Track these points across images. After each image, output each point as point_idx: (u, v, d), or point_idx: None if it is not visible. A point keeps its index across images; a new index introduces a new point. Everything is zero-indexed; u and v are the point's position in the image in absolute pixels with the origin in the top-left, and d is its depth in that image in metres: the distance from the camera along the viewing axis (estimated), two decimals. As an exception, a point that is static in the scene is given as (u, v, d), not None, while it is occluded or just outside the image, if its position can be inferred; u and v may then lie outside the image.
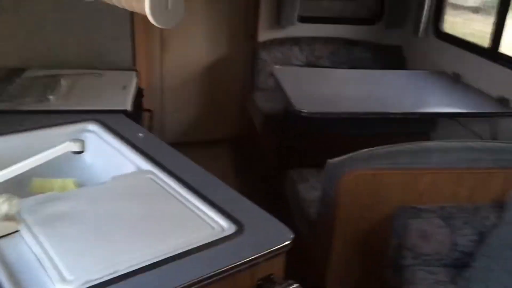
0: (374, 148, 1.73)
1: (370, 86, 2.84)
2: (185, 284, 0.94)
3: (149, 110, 2.33)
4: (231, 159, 3.76)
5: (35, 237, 1.03)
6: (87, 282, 0.91)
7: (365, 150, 1.73)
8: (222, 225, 1.13)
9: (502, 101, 2.54)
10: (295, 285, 1.12)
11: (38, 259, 0.97)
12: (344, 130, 2.79)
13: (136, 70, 2.27)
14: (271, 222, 1.16)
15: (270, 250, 1.07)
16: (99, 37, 2.23)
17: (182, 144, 3.86)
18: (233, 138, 3.92)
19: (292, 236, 1.11)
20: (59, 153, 1.11)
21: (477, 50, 2.80)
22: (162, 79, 3.72)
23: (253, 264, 1.05)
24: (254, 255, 1.05)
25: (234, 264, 1.01)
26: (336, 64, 3.53)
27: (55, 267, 0.94)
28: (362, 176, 1.67)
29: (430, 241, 1.68)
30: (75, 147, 1.09)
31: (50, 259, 0.96)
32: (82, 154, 1.62)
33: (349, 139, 2.20)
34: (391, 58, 3.62)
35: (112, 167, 1.48)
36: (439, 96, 2.73)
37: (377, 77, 3.03)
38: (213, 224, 1.13)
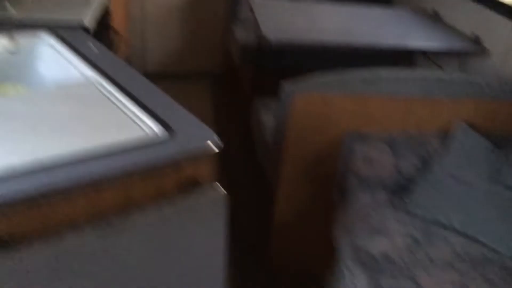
0: (327, 73, 1.75)
1: (347, 20, 2.81)
2: (104, 174, 1.00)
3: (117, 31, 2.32)
4: (211, 91, 3.78)
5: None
6: (6, 166, 0.96)
7: (318, 75, 1.75)
8: (153, 129, 1.18)
9: (474, 39, 2.52)
10: (219, 187, 1.18)
11: (-33, 145, 1.02)
12: (319, 64, 2.80)
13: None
14: (202, 130, 1.20)
15: (194, 153, 1.13)
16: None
17: (163, 76, 3.91)
18: (215, 71, 3.92)
19: (217, 140, 1.15)
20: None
21: (456, -12, 2.76)
22: (144, 10, 3.67)
23: (177, 164, 1.11)
24: (178, 156, 1.10)
25: (158, 162, 1.07)
26: (321, -1, 3.46)
27: (-19, 152, 1.00)
28: (312, 99, 1.70)
29: (374, 165, 1.74)
30: (9, 46, 1.11)
31: (-21, 146, 1.02)
32: (36, 64, 1.67)
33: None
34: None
35: (62, 77, 1.51)
36: (413, 33, 2.71)
37: (356, 12, 2.99)
38: (145, 128, 1.18)
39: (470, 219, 1.56)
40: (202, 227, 1.18)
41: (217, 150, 1.15)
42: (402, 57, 3.08)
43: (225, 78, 3.84)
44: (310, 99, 1.70)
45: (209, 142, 1.15)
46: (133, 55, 3.76)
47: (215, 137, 1.16)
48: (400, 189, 1.77)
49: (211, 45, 3.88)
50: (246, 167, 2.70)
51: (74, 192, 0.97)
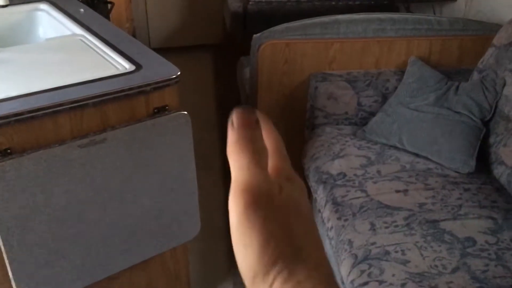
0: (291, 22, 1.95)
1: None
2: (82, 98, 1.24)
3: (111, 2, 2.56)
4: (212, 61, 4.00)
5: (-27, 70, 1.34)
6: (5, 96, 1.22)
7: (283, 24, 1.96)
8: (125, 66, 1.41)
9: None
10: (183, 112, 1.42)
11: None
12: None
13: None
14: (166, 65, 1.44)
15: (157, 81, 1.36)
16: None
17: (166, 49, 4.13)
18: (214, 42, 4.14)
19: (178, 72, 1.39)
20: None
21: None
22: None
23: (144, 90, 1.34)
24: (143, 83, 1.34)
25: (126, 88, 1.31)
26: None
27: (-16, 86, 1.26)
28: (277, 45, 1.91)
29: (338, 102, 1.95)
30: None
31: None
32: (35, 28, 1.93)
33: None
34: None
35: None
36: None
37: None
38: (118, 66, 1.42)
39: (419, 140, 1.75)
40: (171, 146, 1.42)
41: (176, 78, 1.38)
42: (386, 11, 3.23)
43: (224, 47, 4.05)
44: (275, 46, 1.91)
45: (171, 74, 1.38)
46: (137, 31, 4.01)
47: (177, 71, 1.40)
48: (363, 122, 1.97)
49: (210, 17, 4.09)
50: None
51: (59, 112, 1.22)
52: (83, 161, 1.26)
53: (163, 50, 4.19)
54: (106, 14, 2.52)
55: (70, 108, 1.23)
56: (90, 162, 1.27)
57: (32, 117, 1.19)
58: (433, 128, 1.74)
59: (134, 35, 3.92)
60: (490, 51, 1.80)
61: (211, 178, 2.51)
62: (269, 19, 3.10)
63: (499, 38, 1.78)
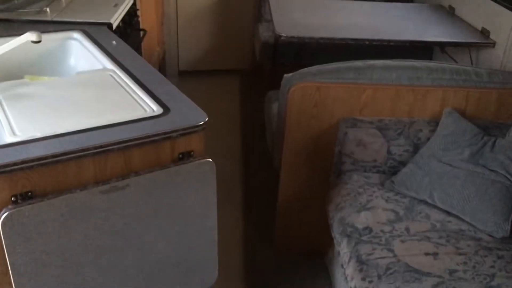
0: (323, 65, 1.91)
1: (363, 16, 2.94)
2: (107, 143, 1.22)
3: (143, 30, 2.57)
4: (239, 87, 3.99)
5: (1, 106, 1.33)
6: (30, 137, 1.20)
7: (315, 66, 1.91)
8: (153, 108, 1.39)
9: (483, 32, 2.60)
10: (209, 159, 1.38)
11: (0, 121, 1.27)
12: (335, 60, 2.94)
13: (132, -7, 2.50)
14: (194, 109, 1.40)
15: (185, 127, 1.33)
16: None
17: (194, 73, 4.15)
18: (243, 69, 4.13)
19: (206, 118, 1.35)
20: (20, 42, 1.38)
21: (469, -17, 2.83)
22: (177, 9, 3.93)
23: (171, 136, 1.31)
24: (170, 129, 1.30)
25: (152, 134, 1.28)
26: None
27: (10, 126, 1.24)
28: (308, 88, 1.86)
29: (367, 149, 1.89)
30: (33, 37, 1.36)
31: (8, 121, 1.26)
32: (67, 58, 1.93)
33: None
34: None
35: (88, 68, 1.76)
36: (431, 27, 2.81)
37: (374, 8, 3.11)
38: (146, 108, 1.39)
39: (451, 197, 1.67)
40: (194, 193, 1.38)
41: (204, 125, 1.35)
42: (421, 52, 3.17)
43: (251, 74, 4.04)
44: (306, 88, 1.87)
45: (199, 120, 1.35)
46: (167, 55, 4.04)
47: (205, 117, 1.36)
48: (392, 171, 1.90)
49: (241, 44, 4.09)
50: (261, 154, 2.88)
51: (83, 157, 1.20)
52: (104, 207, 1.23)
53: (191, 73, 4.23)
54: (138, 41, 2.53)
55: (95, 153, 1.21)
56: (111, 208, 1.24)
57: (56, 161, 1.16)
58: (466, 186, 1.66)
59: (164, 58, 3.94)
60: (531, 108, 1.72)
61: (231, 212, 2.46)
62: (299, 51, 3.08)
63: (542, 96, 1.70)
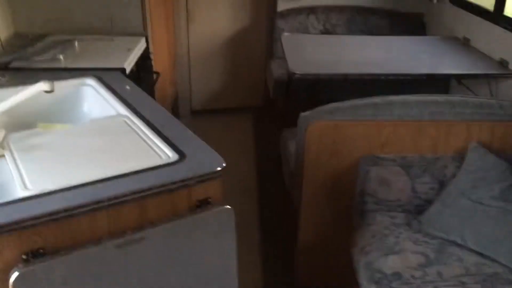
0: (340, 102, 1.86)
1: (377, 51, 2.92)
2: (122, 194, 1.16)
3: (156, 73, 2.56)
4: (252, 124, 3.96)
5: (13, 159, 1.29)
6: (42, 190, 1.15)
7: (332, 103, 1.87)
8: (168, 155, 1.34)
9: (502, 63, 2.54)
10: (227, 206, 1.32)
11: (12, 174, 1.23)
12: (351, 96, 2.90)
13: (145, 36, 2.50)
14: (211, 154, 1.35)
15: (202, 174, 1.27)
16: (113, 5, 2.48)
17: (207, 112, 4.14)
18: (255, 105, 4.11)
19: (223, 164, 1.30)
20: (33, 91, 1.35)
21: (483, 14, 2.80)
22: (189, 49, 3.96)
23: (187, 184, 1.26)
24: (187, 177, 1.25)
25: (168, 182, 1.22)
26: (353, 32, 3.59)
27: (22, 179, 1.20)
28: (325, 126, 1.81)
29: (390, 187, 1.81)
30: (45, 86, 1.33)
31: (20, 174, 1.22)
32: (81, 104, 1.91)
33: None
34: (411, 25, 3.63)
35: (101, 114, 1.73)
36: (446, 60, 2.77)
37: (387, 43, 3.09)
38: (162, 154, 1.35)
39: (483, 237, 1.58)
40: (212, 242, 1.31)
41: (221, 171, 1.29)
42: (438, 84, 3.12)
43: (265, 111, 4.01)
44: (324, 126, 1.82)
45: (217, 166, 1.30)
46: (180, 95, 4.04)
47: (223, 163, 1.31)
48: (417, 210, 1.81)
49: (253, 81, 4.09)
50: (277, 193, 2.81)
51: (96, 210, 1.14)
52: (119, 261, 1.17)
53: (205, 112, 4.23)
54: (152, 84, 2.52)
55: (109, 205, 1.15)
56: (126, 262, 1.18)
57: (68, 216, 1.11)
58: (500, 226, 1.56)
59: (176, 98, 3.94)
60: (562, 141, 1.64)
61: (249, 257, 2.37)
62: (312, 88, 3.04)
63: None
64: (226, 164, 1.31)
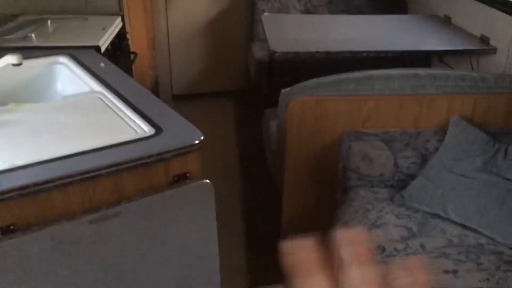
0: (322, 77, 1.83)
1: (358, 29, 2.89)
2: (95, 168, 1.12)
3: (134, 53, 2.50)
4: (234, 108, 3.91)
5: (-18, 134, 1.23)
6: (11, 165, 1.10)
7: (313, 79, 1.83)
8: (144, 129, 1.29)
9: (483, 39, 2.54)
10: (206, 181, 1.28)
11: (-19, 149, 1.18)
12: (332, 73, 2.87)
13: (121, 15, 2.43)
14: (188, 128, 1.31)
15: (179, 147, 1.23)
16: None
17: (188, 96, 4.07)
18: (237, 89, 4.06)
19: (201, 137, 1.26)
20: (1, 65, 1.29)
21: (464, -10, 2.79)
22: (168, 33, 3.88)
23: (164, 158, 1.21)
24: (163, 150, 1.21)
25: (144, 156, 1.18)
26: (334, 13, 3.55)
27: (-9, 154, 1.15)
28: (307, 102, 1.78)
29: (373, 163, 1.79)
30: (13, 59, 1.27)
31: (-10, 149, 1.17)
32: (54, 83, 1.84)
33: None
34: (392, 5, 3.60)
35: (75, 92, 1.67)
36: (427, 37, 2.75)
37: (368, 21, 3.06)
38: (137, 129, 1.30)
39: (466, 209, 1.57)
40: (191, 217, 1.27)
41: (199, 144, 1.25)
42: (419, 63, 3.11)
43: (247, 95, 3.97)
44: (305, 103, 1.78)
45: (195, 139, 1.25)
46: (160, 80, 3.97)
47: (201, 136, 1.27)
48: (400, 185, 1.80)
49: (233, 64, 4.03)
50: (260, 175, 2.78)
51: (69, 184, 1.10)
52: (94, 238, 1.13)
53: (186, 97, 4.15)
54: (129, 64, 2.45)
55: (82, 179, 1.11)
56: (101, 239, 1.14)
57: (39, 190, 1.06)
58: (482, 197, 1.56)
59: (157, 82, 3.87)
60: (543, 111, 1.64)
61: (232, 238, 2.34)
62: (294, 68, 3.01)
63: (553, 98, 1.62)
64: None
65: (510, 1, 2.41)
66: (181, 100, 4.03)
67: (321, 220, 1.95)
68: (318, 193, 1.96)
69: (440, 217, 1.62)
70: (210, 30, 3.93)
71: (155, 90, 3.82)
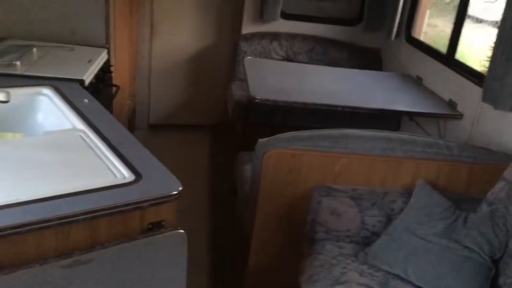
0: (298, 131, 1.91)
1: (335, 82, 3.01)
2: (72, 214, 1.14)
3: (116, 86, 2.53)
4: (209, 143, 3.96)
5: (-40, 168, 1.24)
6: (-14, 203, 1.11)
7: (290, 132, 1.91)
8: (124, 174, 1.32)
9: (451, 103, 2.68)
10: (180, 231, 1.31)
11: (-41, 185, 1.18)
12: (307, 123, 2.97)
13: (107, 48, 2.47)
14: (167, 176, 1.34)
15: (157, 196, 1.26)
16: (75, 14, 2.44)
17: (164, 126, 4.10)
18: (214, 124, 4.12)
19: (180, 188, 1.29)
20: (-12, 101, 1.31)
21: (436, 56, 2.95)
22: (151, 64, 3.93)
23: (140, 206, 1.24)
24: (140, 199, 1.24)
25: (121, 204, 1.21)
26: (313, 61, 3.69)
27: (-31, 190, 1.15)
28: (282, 154, 1.84)
29: (340, 218, 1.86)
30: (1, 97, 1.29)
31: (-33, 185, 1.17)
32: (35, 114, 1.85)
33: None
34: (368, 59, 3.77)
35: (56, 126, 1.69)
36: (396, 96, 2.89)
37: (344, 74, 3.20)
38: (117, 173, 1.33)
39: (426, 273, 1.64)
40: (163, 266, 1.30)
41: (177, 195, 1.28)
42: (390, 119, 3.25)
43: (222, 130, 4.03)
44: (281, 155, 1.85)
45: (173, 190, 1.29)
46: (138, 108, 3.99)
47: (178, 186, 1.30)
48: (366, 242, 1.87)
49: (212, 100, 4.10)
50: (230, 216, 2.81)
51: (45, 228, 1.11)
52: (65, 283, 1.13)
53: (162, 127, 4.18)
54: (110, 97, 2.48)
55: (58, 224, 1.12)
56: (72, 284, 1.14)
57: (14, 233, 1.07)
58: (440, 262, 1.64)
59: (134, 111, 3.89)
60: (501, 184, 1.75)
61: (199, 282, 2.34)
62: (271, 112, 3.10)
63: (511, 173, 1.73)
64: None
65: (479, 71, 2.58)
66: (157, 129, 4.06)
67: (287, 270, 1.99)
68: (285, 241, 2.00)
69: (400, 278, 1.68)
70: (193, 64, 4.01)
71: (132, 118, 3.84)
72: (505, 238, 1.65)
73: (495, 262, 1.66)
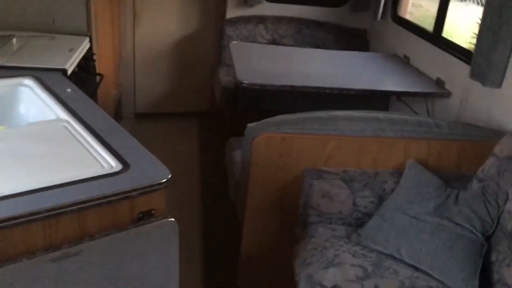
0: (288, 114, 1.88)
1: (322, 64, 2.98)
2: (59, 205, 1.11)
3: (100, 74, 2.48)
4: (198, 130, 3.92)
5: None
6: (-29, 197, 1.08)
7: (280, 116, 1.89)
8: (111, 164, 1.29)
9: (439, 82, 2.68)
10: (171, 219, 1.29)
11: None
12: (295, 107, 2.94)
13: (89, 36, 2.42)
14: (155, 164, 1.32)
15: (145, 185, 1.24)
16: (54, 2, 2.38)
17: (152, 115, 4.05)
18: (201, 111, 4.08)
19: (169, 175, 1.27)
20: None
21: (423, 34, 2.94)
22: (135, 52, 3.86)
23: (129, 196, 1.22)
24: (130, 188, 1.21)
25: (110, 194, 1.18)
26: (300, 44, 3.65)
27: (-50, 185, 1.11)
28: (272, 138, 1.82)
29: (332, 200, 1.85)
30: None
31: None
32: (17, 106, 1.81)
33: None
34: (355, 41, 3.74)
35: (39, 118, 1.65)
36: (387, 77, 2.87)
37: (332, 57, 3.17)
38: (104, 163, 1.30)
39: (418, 252, 1.65)
40: (154, 256, 1.28)
41: (166, 182, 1.26)
42: (379, 99, 3.24)
43: (210, 117, 3.99)
44: (271, 139, 1.83)
45: (162, 178, 1.26)
46: (124, 97, 3.93)
47: (168, 174, 1.28)
48: (358, 223, 1.87)
49: (199, 87, 4.06)
50: (221, 202, 2.80)
51: (32, 221, 1.08)
52: (54, 276, 1.11)
53: (149, 115, 4.14)
54: (95, 86, 2.43)
55: (45, 216, 1.10)
56: (62, 277, 1.12)
57: (1, 227, 1.04)
58: (433, 240, 1.64)
59: (120, 100, 3.83)
60: (491, 160, 1.75)
61: (192, 270, 2.33)
62: (259, 97, 3.06)
63: (501, 149, 1.73)
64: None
65: (466, 49, 2.57)
66: (144, 118, 4.01)
67: (280, 254, 1.99)
68: (278, 228, 1.99)
69: (393, 257, 1.68)
70: (178, 51, 3.95)
71: (118, 108, 3.78)
72: (497, 214, 1.66)
73: (487, 238, 1.66)
